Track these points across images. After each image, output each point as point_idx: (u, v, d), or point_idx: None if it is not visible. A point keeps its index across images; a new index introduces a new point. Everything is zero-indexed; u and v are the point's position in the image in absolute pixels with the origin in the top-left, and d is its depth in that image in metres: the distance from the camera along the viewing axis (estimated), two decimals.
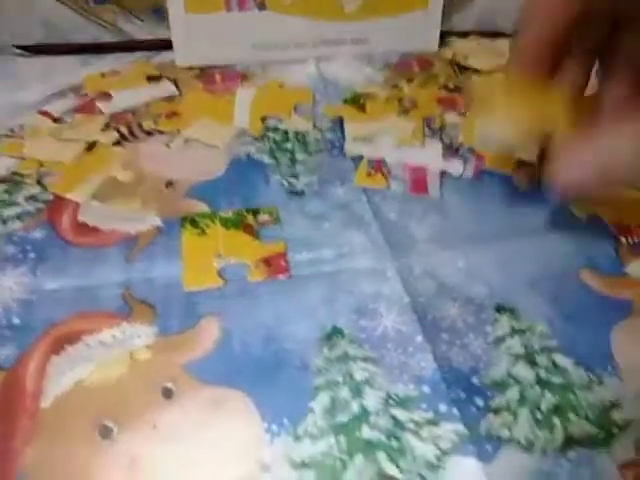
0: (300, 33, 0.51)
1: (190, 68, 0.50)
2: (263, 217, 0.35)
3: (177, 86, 0.48)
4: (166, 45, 0.50)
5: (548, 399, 0.26)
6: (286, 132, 0.43)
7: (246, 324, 0.29)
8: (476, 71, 0.52)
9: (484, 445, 0.24)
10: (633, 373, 0.27)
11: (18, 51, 0.49)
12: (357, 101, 0.47)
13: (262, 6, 0.49)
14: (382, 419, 0.25)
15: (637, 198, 0.38)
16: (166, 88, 0.47)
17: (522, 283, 0.32)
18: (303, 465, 0.23)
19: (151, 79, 0.48)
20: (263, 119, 0.44)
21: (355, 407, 0.25)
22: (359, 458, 0.24)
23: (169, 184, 0.38)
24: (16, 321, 0.29)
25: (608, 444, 0.24)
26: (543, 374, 0.27)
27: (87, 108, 0.45)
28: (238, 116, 0.44)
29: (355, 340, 0.28)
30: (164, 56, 0.51)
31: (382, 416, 0.25)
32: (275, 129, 0.43)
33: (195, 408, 0.25)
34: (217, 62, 0.50)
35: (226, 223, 0.35)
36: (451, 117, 0.45)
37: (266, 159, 0.40)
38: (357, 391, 0.26)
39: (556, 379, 0.27)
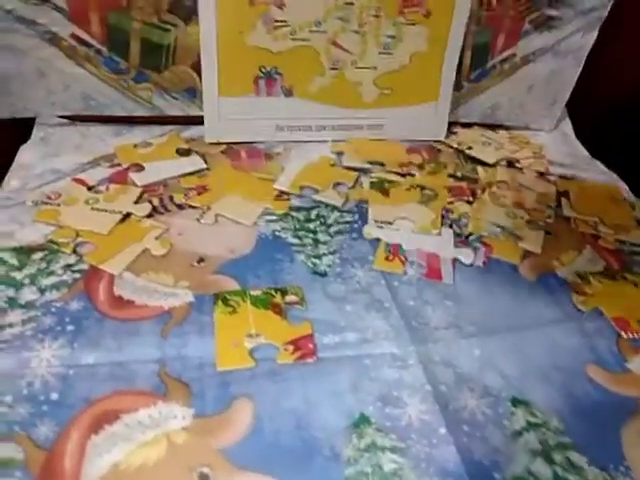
0: (321, 117, 0.55)
1: (217, 144, 0.53)
2: (290, 297, 0.37)
3: (205, 161, 0.51)
4: (195, 121, 0.53)
5: None
6: (309, 211, 0.46)
7: (277, 408, 0.30)
8: (479, 161, 0.56)
9: None
10: None
11: (57, 120, 0.52)
12: (381, 186, 0.50)
13: (289, 93, 0.53)
14: None
15: (635, 294, 0.41)
16: (195, 162, 0.50)
17: (534, 374, 0.34)
18: None
19: (181, 152, 0.51)
20: (301, 187, 0.48)
21: None
22: None
23: (200, 260, 0.40)
24: (54, 396, 0.29)
25: None
26: (560, 472, 0.28)
27: (120, 178, 0.47)
28: (280, 179, 0.48)
29: (382, 429, 0.30)
30: (193, 131, 0.55)
31: None
32: (298, 209, 0.46)
33: None
34: (243, 139, 0.54)
35: (255, 302, 0.36)
36: (462, 206, 0.48)
37: (290, 238, 0.43)
38: None
39: (572, 477, 0.28)
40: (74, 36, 0.47)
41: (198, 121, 0.53)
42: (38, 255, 0.38)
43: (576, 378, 0.34)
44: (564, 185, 0.54)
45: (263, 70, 0.51)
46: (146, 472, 0.26)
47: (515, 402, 0.32)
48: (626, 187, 0.55)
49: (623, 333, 0.37)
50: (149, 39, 0.49)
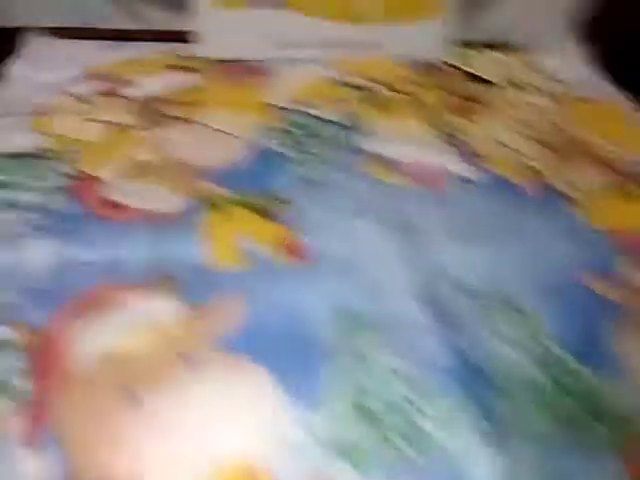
0: (320, 34, 0.53)
1: (213, 60, 0.52)
2: (280, 204, 0.37)
3: (199, 76, 0.49)
4: (190, 38, 0.51)
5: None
6: (306, 127, 0.45)
7: (269, 304, 0.30)
8: (484, 81, 0.54)
9: None
10: None
11: (46, 33, 0.50)
12: (379, 102, 0.48)
13: (282, 4, 0.50)
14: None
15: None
16: (188, 77, 0.49)
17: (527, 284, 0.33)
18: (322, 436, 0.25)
19: (174, 68, 0.50)
20: (298, 102, 0.46)
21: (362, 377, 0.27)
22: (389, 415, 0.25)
23: (193, 170, 0.39)
24: (49, 287, 0.30)
25: None
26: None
27: (111, 92, 0.46)
28: (275, 95, 0.47)
29: (372, 325, 0.30)
30: (187, 48, 0.53)
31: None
32: (294, 124, 0.45)
33: (218, 377, 0.27)
34: (240, 56, 0.52)
35: (246, 206, 0.36)
36: (464, 125, 0.47)
37: (284, 150, 0.42)
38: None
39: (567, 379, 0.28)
40: None
41: (193, 38, 0.51)
42: (33, 162, 0.38)
43: (567, 282, 0.34)
44: (569, 103, 0.52)
45: None
46: (137, 357, 0.27)
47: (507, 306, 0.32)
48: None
49: (626, 249, 0.37)
50: None
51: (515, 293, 0.33)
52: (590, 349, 0.30)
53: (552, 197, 0.40)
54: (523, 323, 0.31)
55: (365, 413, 0.26)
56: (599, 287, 0.34)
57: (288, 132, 0.44)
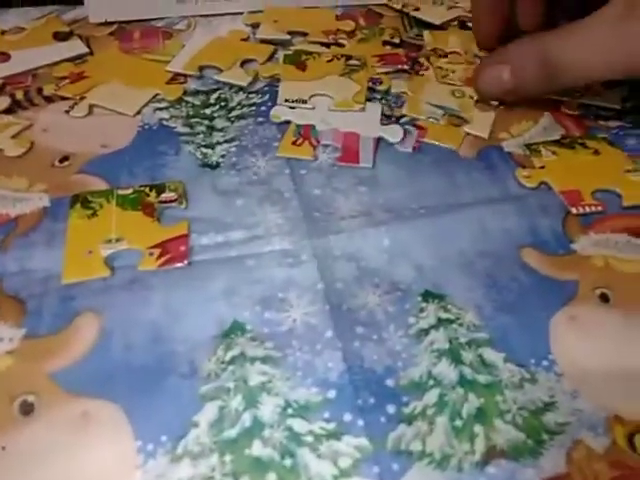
0: None
1: (105, 24, 0.44)
2: (168, 195, 0.31)
3: (89, 45, 0.42)
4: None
5: (471, 402, 0.23)
6: (208, 94, 0.38)
7: (131, 322, 0.25)
8: (428, 25, 0.46)
9: (390, 463, 0.21)
10: (572, 368, 0.24)
11: None
12: (298, 59, 0.41)
13: None
14: (277, 432, 0.21)
15: (592, 162, 0.34)
16: (75, 47, 0.42)
17: (454, 264, 0.28)
18: None
19: (59, 37, 0.43)
20: (201, 67, 0.40)
21: (247, 419, 0.22)
22: None
23: (64, 159, 0.33)
24: None
25: (536, 454, 0.21)
26: (468, 373, 0.24)
27: None
28: (176, 59, 0.40)
29: (257, 337, 0.25)
30: (77, 12, 0.45)
31: (277, 429, 0.22)
32: (196, 93, 0.38)
33: (57, 426, 0.21)
34: (136, 17, 0.44)
35: (123, 203, 0.30)
36: (398, 83, 0.40)
37: (180, 127, 0.36)
38: (251, 400, 0.22)
39: (482, 378, 0.23)
40: None
41: None
42: None
43: (506, 265, 0.28)
44: None
45: None
46: None
47: (427, 296, 0.27)
48: None
49: (573, 209, 0.31)
50: None
51: (439, 283, 0.27)
52: (518, 339, 0.25)
53: (491, 157, 0.34)
54: (443, 320, 0.25)
55: (232, 449, 0.21)
56: (545, 265, 0.28)
57: (188, 105, 0.37)
